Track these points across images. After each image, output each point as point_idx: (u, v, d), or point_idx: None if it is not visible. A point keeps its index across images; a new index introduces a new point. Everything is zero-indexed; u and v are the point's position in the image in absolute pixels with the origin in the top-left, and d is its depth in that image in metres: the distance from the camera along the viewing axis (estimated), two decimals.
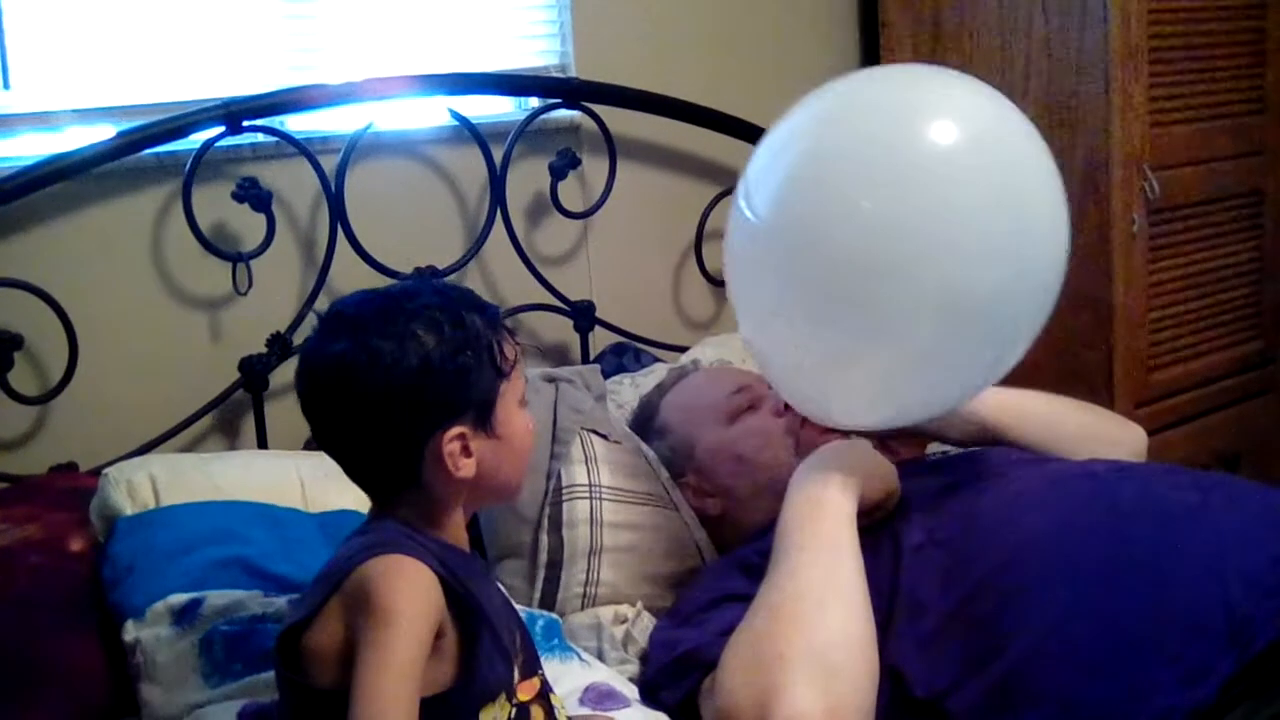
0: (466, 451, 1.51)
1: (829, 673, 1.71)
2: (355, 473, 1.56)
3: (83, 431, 2.25)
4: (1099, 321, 2.91)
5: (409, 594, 1.38)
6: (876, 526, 1.92)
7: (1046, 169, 1.92)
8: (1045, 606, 1.74)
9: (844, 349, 1.90)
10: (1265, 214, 3.24)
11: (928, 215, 1.81)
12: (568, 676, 1.84)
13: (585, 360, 2.72)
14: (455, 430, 1.50)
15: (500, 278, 2.68)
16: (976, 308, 1.83)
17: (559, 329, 2.77)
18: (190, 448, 2.34)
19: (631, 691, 1.86)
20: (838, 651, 1.73)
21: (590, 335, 2.77)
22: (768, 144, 1.98)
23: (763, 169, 1.97)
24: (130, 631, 1.83)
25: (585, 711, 1.78)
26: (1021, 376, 2.12)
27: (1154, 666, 1.65)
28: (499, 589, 1.65)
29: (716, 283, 2.96)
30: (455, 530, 1.56)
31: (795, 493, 1.91)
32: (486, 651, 1.46)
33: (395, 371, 1.46)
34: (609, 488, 2.11)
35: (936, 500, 1.96)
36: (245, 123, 2.32)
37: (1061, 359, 2.81)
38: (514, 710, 1.51)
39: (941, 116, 1.88)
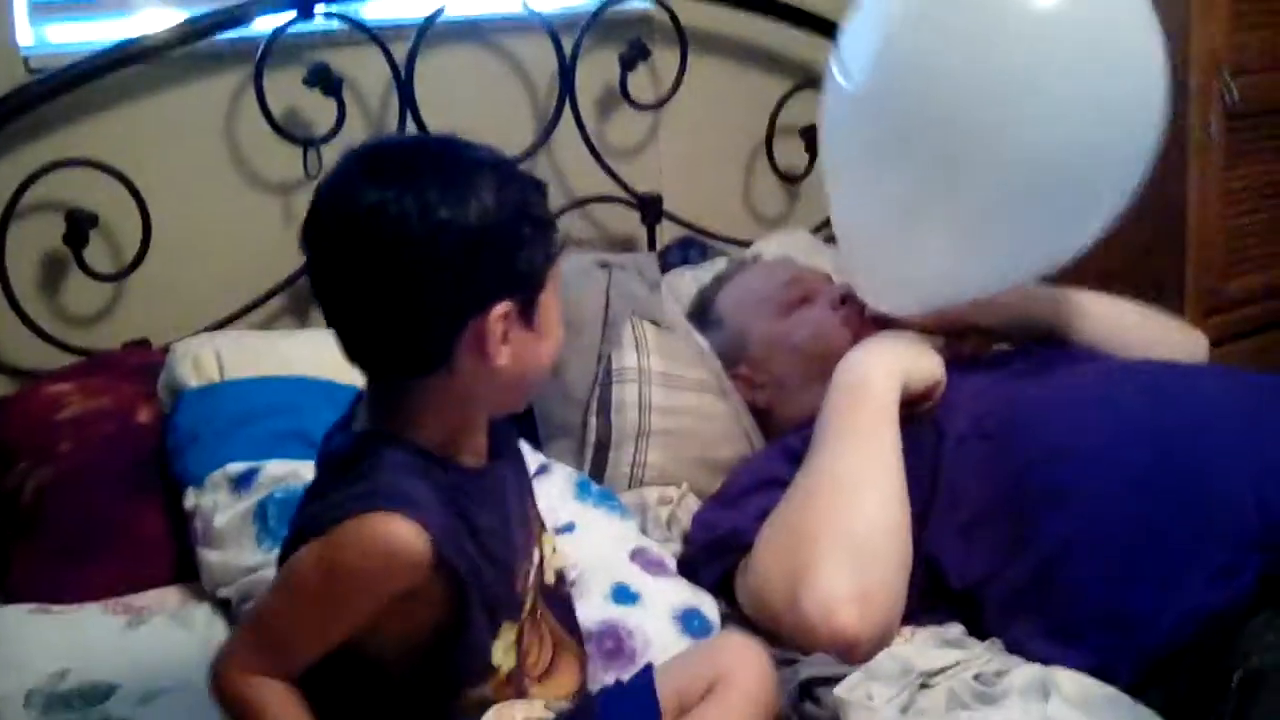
0: (504, 338, 1.35)
1: (860, 556, 1.74)
2: (371, 350, 1.37)
3: (156, 309, 2.32)
4: (1171, 228, 2.89)
5: (370, 574, 1.30)
6: (921, 416, 1.94)
7: (1146, 32, 1.90)
8: (1082, 504, 1.75)
9: (929, 208, 1.92)
10: None
11: (1016, 73, 1.82)
12: (609, 528, 1.91)
13: (653, 253, 2.74)
14: (504, 307, 1.33)
15: (568, 168, 2.70)
16: (1064, 171, 1.84)
17: (626, 221, 2.79)
18: (261, 328, 2.40)
19: (674, 567, 1.91)
20: (870, 536, 1.77)
21: (658, 228, 2.79)
22: (861, 8, 2.01)
23: (856, 33, 2.01)
24: (191, 498, 1.91)
25: (636, 568, 1.83)
26: (1093, 280, 2.13)
27: (1184, 566, 1.66)
28: (519, 477, 1.55)
29: (788, 179, 2.96)
30: (472, 436, 1.44)
31: (839, 380, 1.94)
32: (477, 613, 1.38)
33: (450, 229, 1.29)
34: (659, 373, 2.14)
35: (983, 393, 1.97)
36: (316, 8, 2.36)
37: (1133, 264, 2.78)
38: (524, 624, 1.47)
39: None
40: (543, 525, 1.59)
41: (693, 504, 2.08)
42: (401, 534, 1.29)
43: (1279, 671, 1.51)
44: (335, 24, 2.42)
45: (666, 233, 2.82)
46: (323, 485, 1.41)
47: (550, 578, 1.56)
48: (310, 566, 1.32)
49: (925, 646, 1.72)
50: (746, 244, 2.80)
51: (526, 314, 1.37)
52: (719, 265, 2.57)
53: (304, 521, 1.37)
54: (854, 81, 1.98)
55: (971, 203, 1.89)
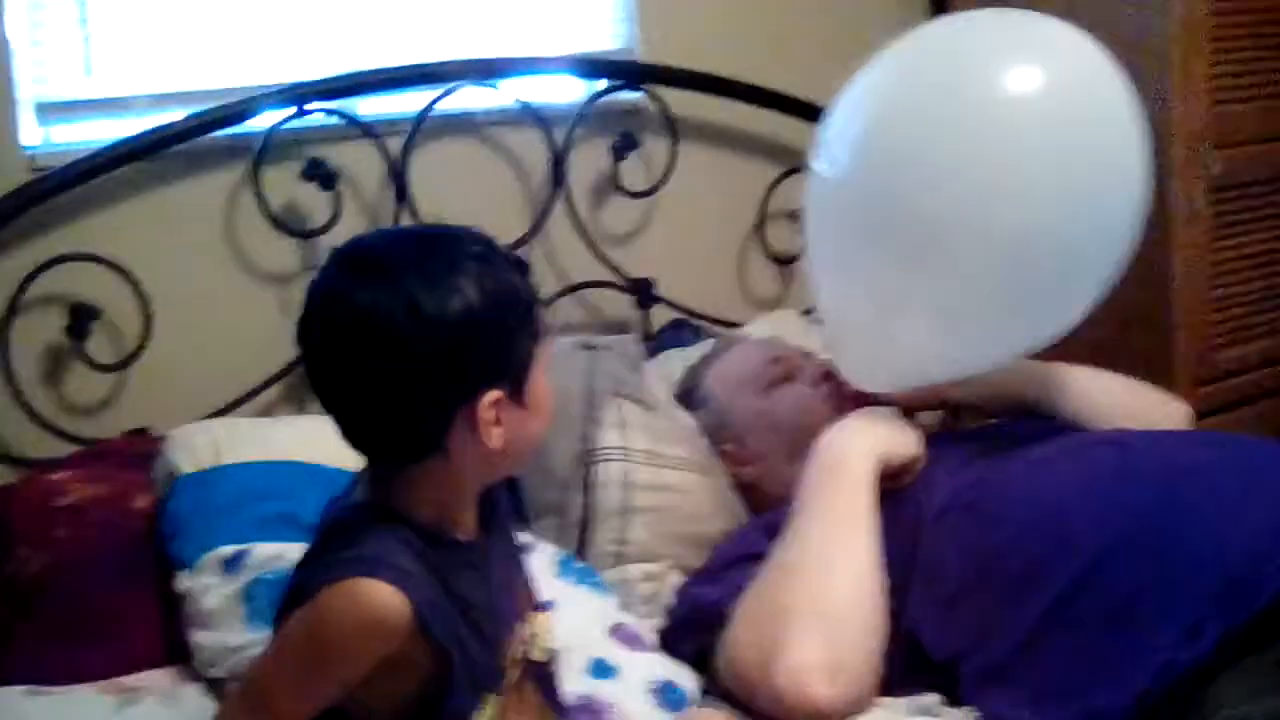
0: (497, 420, 1.41)
1: (832, 628, 1.78)
2: (368, 438, 1.44)
3: (156, 399, 2.37)
4: (1159, 300, 2.90)
5: (353, 639, 1.35)
6: (900, 491, 1.98)
7: (1126, 116, 1.94)
8: (1056, 576, 1.79)
9: (911, 293, 1.96)
10: None
11: (995, 160, 1.87)
12: (589, 605, 1.95)
13: (647, 337, 2.80)
14: (494, 395, 1.40)
15: (563, 254, 2.76)
16: (1046, 255, 1.89)
17: (621, 306, 2.85)
18: (259, 415, 2.44)
19: (655, 641, 1.94)
20: (843, 609, 1.80)
21: (652, 312, 2.84)
22: (844, 98, 2.06)
23: (839, 121, 2.05)
24: (182, 581, 1.96)
25: (614, 643, 1.87)
26: (1081, 353, 2.17)
27: (1157, 626, 1.69)
28: (507, 553, 1.62)
29: (780, 261, 3.02)
30: (463, 511, 1.50)
31: (817, 458, 1.98)
32: (459, 684, 1.42)
33: (437, 325, 1.34)
34: (641, 451, 2.18)
35: (961, 468, 2.01)
36: (312, 105, 2.44)
37: (1122, 337, 2.81)
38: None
39: (1019, 60, 1.92)
40: (536, 604, 1.64)
41: (676, 580, 2.11)
42: (383, 599, 1.34)
43: None
44: (330, 119, 2.49)
45: (661, 316, 2.87)
46: (315, 552, 1.48)
47: (539, 655, 1.61)
48: (297, 629, 1.38)
49: (896, 714, 1.75)
50: (740, 326, 2.84)
51: (517, 394, 1.43)
52: (709, 346, 2.61)
53: (295, 587, 1.44)
54: (836, 169, 2.03)
55: (953, 289, 1.94)
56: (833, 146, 2.05)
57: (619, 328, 2.83)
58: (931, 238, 1.90)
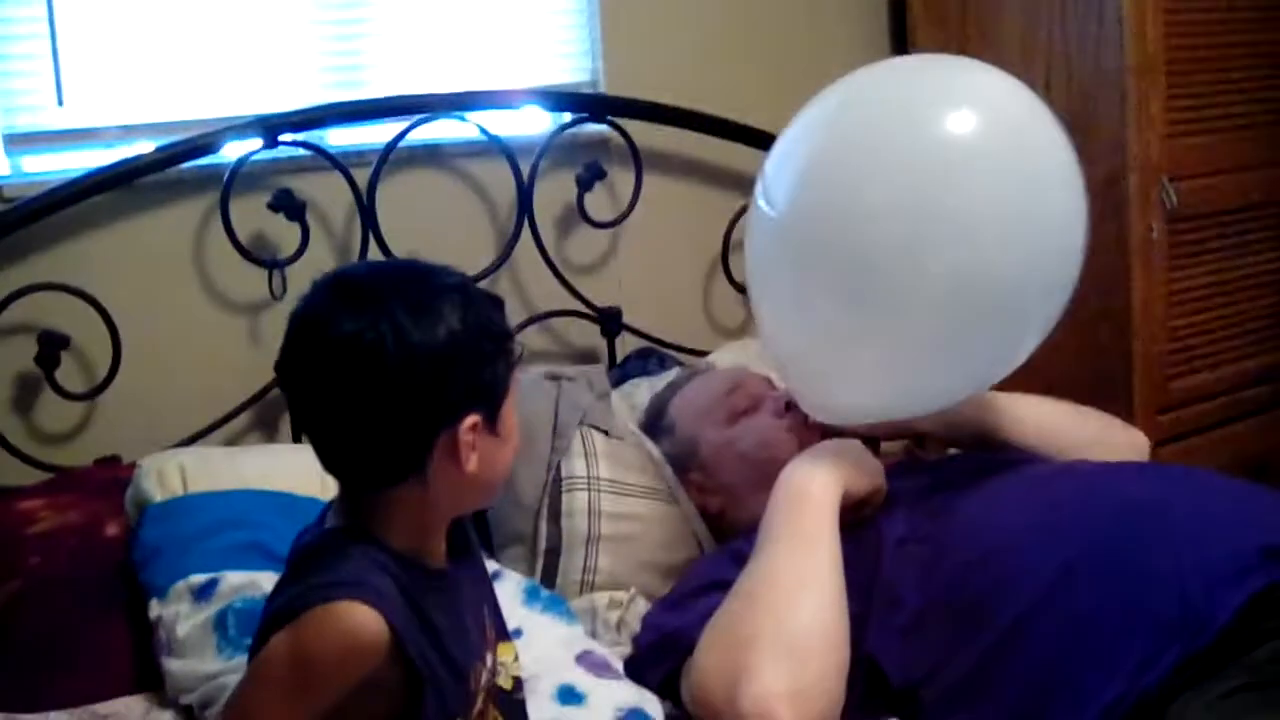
0: (473, 446, 1.45)
1: (797, 657, 1.79)
2: (349, 462, 1.46)
3: (127, 428, 2.40)
4: (1117, 329, 2.96)
5: (335, 661, 1.38)
6: (862, 522, 2.01)
7: (1063, 158, 1.97)
8: (1011, 603, 1.81)
9: (855, 333, 1.97)
10: None
11: (940, 202, 1.88)
12: (556, 632, 1.97)
13: (613, 365, 2.82)
14: (471, 420, 1.43)
15: (529, 284, 2.79)
16: (988, 294, 1.90)
17: (587, 334, 2.88)
18: (229, 443, 2.47)
19: (622, 668, 1.96)
20: (807, 638, 1.82)
21: (618, 341, 2.87)
22: (785, 137, 2.08)
23: (779, 160, 2.07)
24: (154, 609, 1.97)
25: (581, 670, 1.89)
26: (1040, 383, 2.20)
27: (1111, 657, 1.71)
28: (476, 582, 1.65)
29: (744, 290, 3.04)
30: (434, 539, 1.53)
31: (781, 486, 2.00)
32: (430, 708, 1.44)
33: (421, 352, 1.38)
34: (608, 480, 2.21)
35: (922, 498, 2.04)
36: (280, 137, 2.46)
37: (1080, 366, 2.86)
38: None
39: (957, 104, 1.94)
40: (504, 633, 1.67)
41: (642, 607, 2.13)
42: (363, 621, 1.37)
43: None
44: (299, 151, 2.51)
45: (627, 345, 2.90)
46: (291, 577, 1.49)
47: (506, 683, 1.64)
48: (277, 653, 1.40)
49: None
50: (705, 354, 2.88)
51: (491, 422, 1.48)
52: (675, 375, 2.64)
53: (272, 611, 1.45)
54: (777, 207, 2.05)
55: (896, 328, 1.95)
56: (773, 184, 2.07)
57: (585, 356, 2.86)
58: (872, 278, 1.91)
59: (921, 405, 2.12)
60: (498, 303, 1.53)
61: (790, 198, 2.02)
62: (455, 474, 1.45)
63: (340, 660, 1.38)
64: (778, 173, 2.07)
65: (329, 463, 1.47)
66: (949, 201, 1.89)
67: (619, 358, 2.86)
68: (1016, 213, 1.90)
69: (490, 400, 1.47)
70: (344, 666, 1.39)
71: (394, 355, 1.38)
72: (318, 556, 1.46)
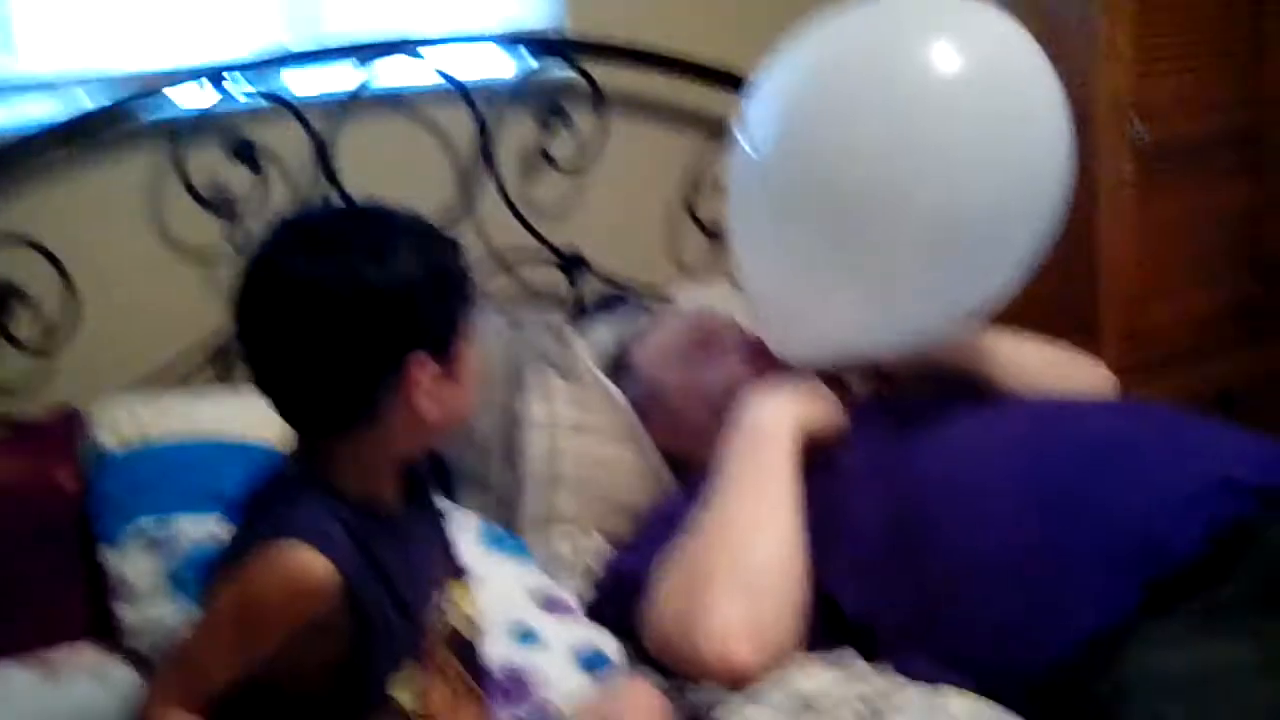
0: (429, 389, 1.46)
1: (753, 593, 1.80)
2: (301, 406, 1.47)
3: (82, 378, 2.36)
4: (1086, 263, 2.96)
5: (281, 602, 1.38)
6: (821, 459, 2.00)
7: (1046, 92, 1.98)
8: (968, 535, 1.82)
9: (836, 269, 1.99)
10: (1264, 159, 3.25)
11: (922, 137, 1.89)
12: (513, 573, 1.97)
13: (577, 309, 2.80)
14: (426, 363, 1.44)
15: (492, 229, 2.76)
16: (969, 229, 1.92)
17: (552, 279, 2.85)
18: (185, 392, 2.44)
19: (580, 609, 1.97)
20: (763, 574, 1.82)
21: (582, 285, 2.85)
22: (765, 77, 2.09)
23: (760, 101, 2.08)
24: (108, 556, 1.96)
25: (539, 611, 1.89)
26: (1008, 316, 2.19)
27: (1067, 590, 1.72)
28: (430, 525, 1.66)
29: (711, 232, 3.03)
30: (387, 482, 1.53)
31: (739, 426, 2.00)
32: (380, 651, 1.47)
33: (377, 295, 1.39)
34: (568, 421, 2.21)
35: (882, 435, 2.04)
36: (237, 84, 2.43)
37: (1049, 296, 2.83)
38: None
39: (937, 37, 1.95)
40: (458, 574, 1.66)
41: (602, 548, 2.14)
42: (310, 564, 1.39)
43: (1145, 683, 1.58)
44: (257, 98, 2.48)
45: (592, 290, 2.88)
46: (242, 524, 1.50)
47: (461, 625, 1.63)
48: (224, 596, 1.42)
49: (811, 670, 1.77)
50: (670, 298, 2.86)
51: (448, 366, 1.48)
52: (639, 318, 2.63)
53: (223, 555, 1.47)
54: (759, 145, 2.04)
55: (876, 263, 1.96)
56: (756, 122, 2.07)
57: (550, 301, 2.84)
58: (854, 213, 1.93)
59: (898, 342, 2.12)
60: (457, 245, 1.53)
61: (771, 137, 2.03)
62: (409, 417, 1.46)
63: (286, 604, 1.39)
64: (759, 113, 2.08)
65: (282, 407, 1.48)
66: (931, 136, 1.90)
67: (584, 302, 2.84)
68: (998, 147, 1.92)
69: (446, 344, 1.48)
70: (290, 610, 1.39)
71: (349, 297, 1.39)
72: (268, 503, 1.48)
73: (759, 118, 2.07)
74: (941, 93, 1.92)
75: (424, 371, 1.44)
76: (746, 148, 2.07)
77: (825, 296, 2.03)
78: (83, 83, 2.41)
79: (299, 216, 1.52)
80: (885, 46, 1.97)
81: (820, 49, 2.05)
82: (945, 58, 1.93)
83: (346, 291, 1.39)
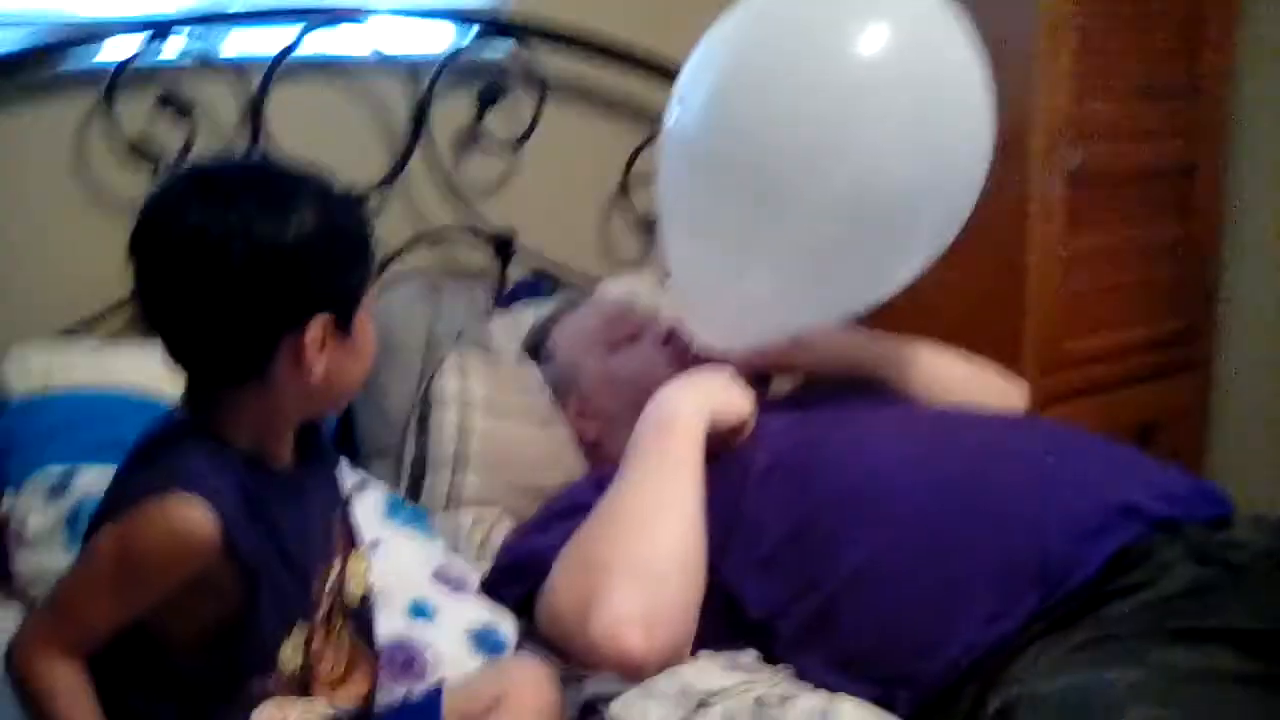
0: (320, 352, 1.43)
1: (649, 582, 1.80)
2: (191, 358, 1.45)
3: (1, 329, 2.33)
4: (1013, 284, 2.95)
5: (163, 555, 1.36)
6: (729, 450, 2.00)
7: (971, 76, 2.00)
8: (869, 539, 1.82)
9: (751, 238, 2.00)
10: (1196, 193, 3.27)
11: (838, 116, 1.92)
12: (414, 547, 1.95)
13: (502, 289, 2.80)
14: (320, 324, 1.42)
15: (422, 202, 2.75)
16: (884, 206, 1.94)
17: (479, 256, 2.84)
18: (107, 343, 2.41)
19: (478, 586, 1.96)
20: (661, 563, 1.82)
21: (511, 264, 2.84)
22: (697, 50, 2.11)
23: (690, 72, 2.11)
24: (7, 503, 1.94)
25: (436, 586, 1.88)
26: (935, 328, 2.21)
27: (963, 602, 1.72)
28: (326, 487, 1.64)
29: (643, 225, 3.03)
30: (279, 441, 1.51)
31: (648, 414, 2.01)
32: (268, 608, 1.45)
33: (269, 250, 1.36)
34: (481, 399, 2.20)
35: (789, 431, 2.04)
36: (170, 36, 2.40)
37: (974, 318, 2.86)
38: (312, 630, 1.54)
39: (867, 17, 1.96)
40: (355, 542, 1.65)
41: (507, 527, 2.14)
42: (192, 516, 1.36)
43: (1031, 700, 1.58)
44: (188, 54, 2.46)
45: (521, 270, 2.87)
46: (127, 469, 1.48)
47: (356, 592, 1.63)
48: (105, 545, 1.39)
49: (708, 668, 1.77)
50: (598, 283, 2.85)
51: (343, 330, 1.45)
52: (562, 302, 2.62)
53: (105, 504, 1.45)
54: (684, 122, 2.06)
55: (793, 239, 1.98)
56: (682, 100, 2.08)
57: (477, 278, 2.83)
58: (773, 190, 1.95)
59: (807, 320, 2.14)
60: (359, 211, 1.51)
61: (698, 107, 2.05)
62: (300, 379, 1.44)
63: (167, 555, 1.37)
64: (688, 83, 2.10)
65: (173, 353, 1.46)
66: (852, 111, 1.92)
67: (509, 282, 2.83)
68: (920, 124, 1.94)
69: (342, 307, 1.45)
70: (171, 562, 1.37)
71: (239, 251, 1.36)
72: (156, 450, 1.45)
73: (685, 91, 2.08)
74: (864, 68, 1.94)
75: (318, 335, 1.42)
76: (672, 121, 2.08)
77: (745, 273, 2.05)
78: (7, 26, 2.36)
79: (200, 166, 1.49)
80: (812, 22, 1.99)
81: (747, 25, 2.07)
82: (870, 34, 1.95)
83: (235, 243, 1.35)
